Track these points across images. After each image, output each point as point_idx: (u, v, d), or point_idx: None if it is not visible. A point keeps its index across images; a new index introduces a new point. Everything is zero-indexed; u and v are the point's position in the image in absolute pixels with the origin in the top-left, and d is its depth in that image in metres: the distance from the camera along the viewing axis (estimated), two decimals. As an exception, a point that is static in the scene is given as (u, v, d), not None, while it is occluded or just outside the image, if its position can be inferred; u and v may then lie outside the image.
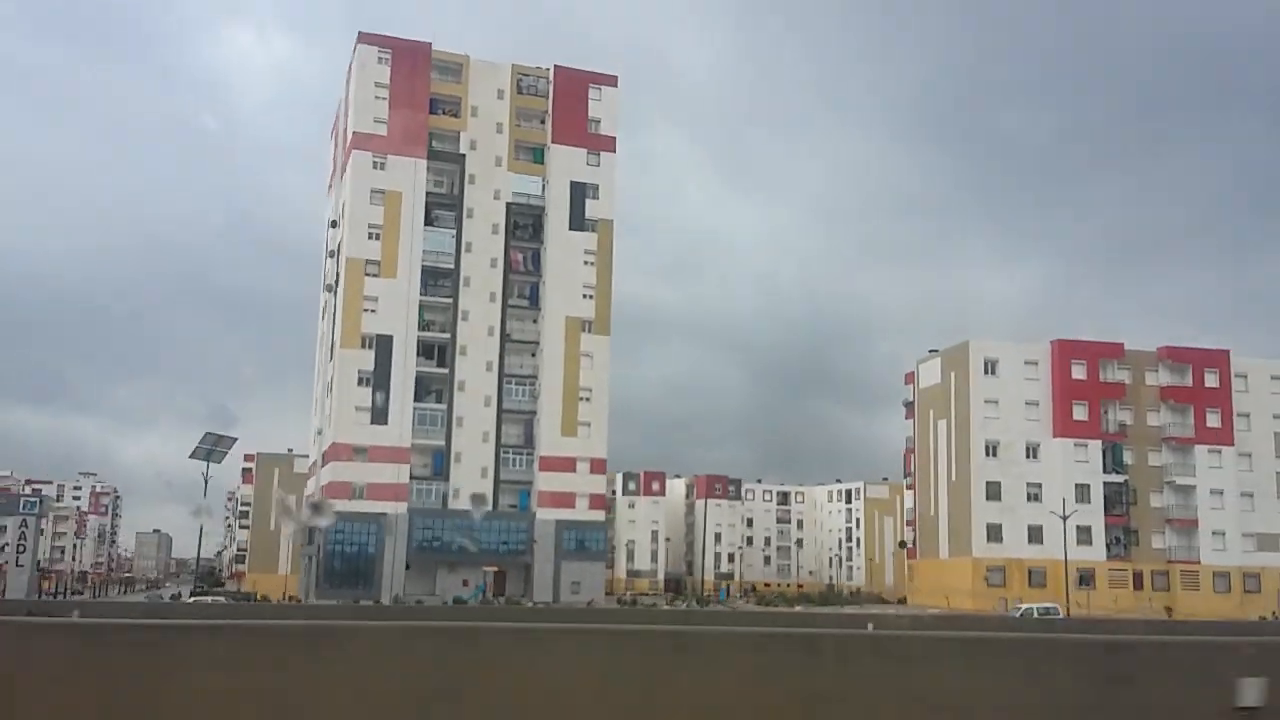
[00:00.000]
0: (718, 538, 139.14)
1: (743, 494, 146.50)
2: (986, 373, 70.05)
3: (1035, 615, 42.39)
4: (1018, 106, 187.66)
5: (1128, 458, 70.89)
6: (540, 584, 70.64)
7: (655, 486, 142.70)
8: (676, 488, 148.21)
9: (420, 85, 72.85)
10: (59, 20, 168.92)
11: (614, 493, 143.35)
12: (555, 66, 76.73)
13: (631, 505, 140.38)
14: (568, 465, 73.01)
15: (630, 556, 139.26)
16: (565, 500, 72.15)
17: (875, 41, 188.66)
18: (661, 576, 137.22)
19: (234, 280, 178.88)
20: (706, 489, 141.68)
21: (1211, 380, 72.24)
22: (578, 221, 74.55)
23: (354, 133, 71.55)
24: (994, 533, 67.87)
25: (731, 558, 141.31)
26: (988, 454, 69.04)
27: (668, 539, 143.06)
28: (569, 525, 71.78)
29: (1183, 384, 71.94)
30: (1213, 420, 71.66)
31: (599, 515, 74.65)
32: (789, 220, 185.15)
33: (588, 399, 73.92)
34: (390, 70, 72.51)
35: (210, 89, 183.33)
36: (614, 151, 76.43)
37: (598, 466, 74.77)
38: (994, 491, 68.37)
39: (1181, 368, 72.24)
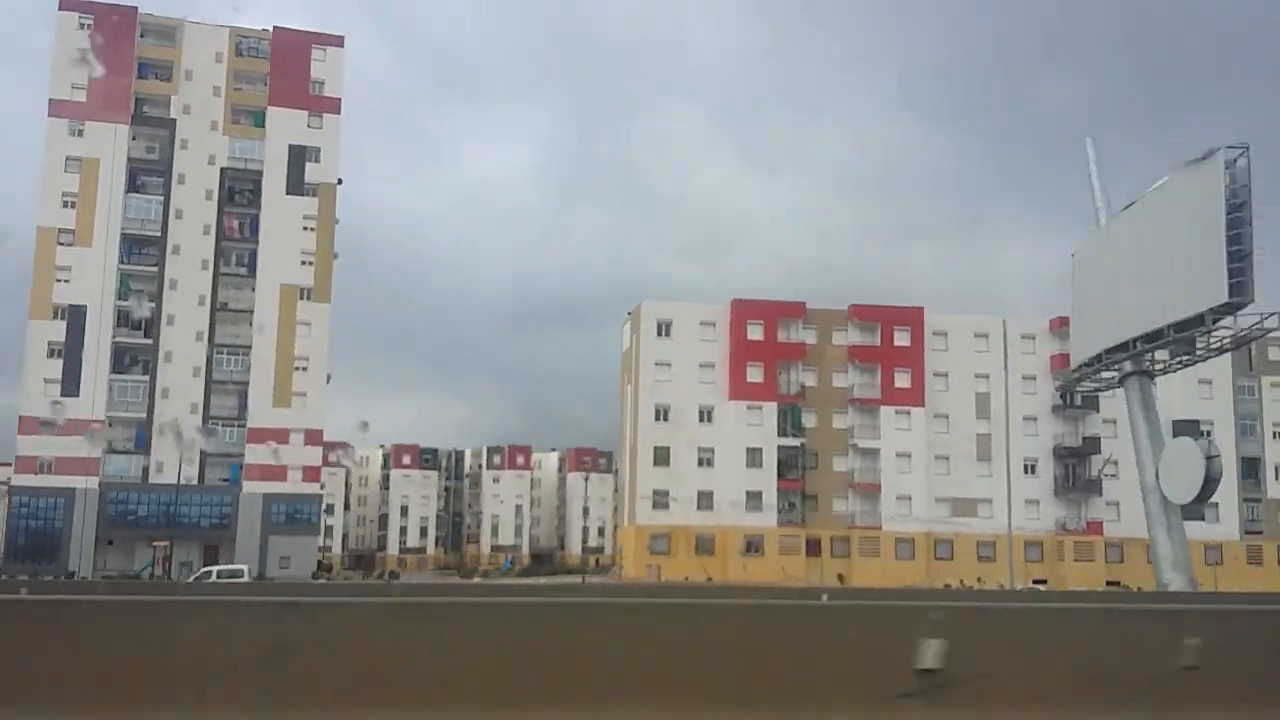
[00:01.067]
0: (586, 511, 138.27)
1: (613, 467, 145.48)
2: (660, 335, 68.05)
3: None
4: (1043, 75, 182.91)
5: (810, 420, 68.54)
6: (245, 558, 70.14)
7: (520, 460, 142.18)
8: (550, 461, 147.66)
9: (125, 49, 71.99)
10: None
11: (479, 466, 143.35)
12: (275, 28, 75.62)
13: (496, 480, 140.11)
14: (280, 437, 72.29)
15: (495, 531, 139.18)
16: (277, 473, 71.48)
17: (892, 10, 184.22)
18: (526, 550, 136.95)
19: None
20: (576, 462, 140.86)
21: (902, 339, 69.58)
22: (296, 185, 73.48)
23: (50, 100, 71.08)
24: (660, 499, 66.07)
25: (601, 531, 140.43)
26: (658, 418, 67.16)
27: (535, 513, 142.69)
28: (278, 498, 71.16)
29: (871, 343, 69.35)
30: (902, 381, 69.03)
31: (313, 488, 73.89)
32: (812, 197, 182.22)
33: (304, 369, 73.12)
34: (91, 35, 71.92)
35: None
36: (338, 114, 75.15)
37: (313, 438, 73.88)
38: (662, 457, 66.54)
39: (871, 326, 69.62)
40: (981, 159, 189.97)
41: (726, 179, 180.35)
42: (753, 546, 65.51)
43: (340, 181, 76.54)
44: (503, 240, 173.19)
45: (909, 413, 68.76)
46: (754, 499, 66.34)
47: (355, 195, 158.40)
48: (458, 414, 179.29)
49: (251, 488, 71.02)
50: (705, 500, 65.85)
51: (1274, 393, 71.88)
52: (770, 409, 67.27)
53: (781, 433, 67.28)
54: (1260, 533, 70.66)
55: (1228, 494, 70.43)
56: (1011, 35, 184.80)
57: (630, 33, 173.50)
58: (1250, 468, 71.26)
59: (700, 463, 66.49)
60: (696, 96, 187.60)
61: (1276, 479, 71.14)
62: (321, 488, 78.35)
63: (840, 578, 63.71)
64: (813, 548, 67.09)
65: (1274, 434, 71.65)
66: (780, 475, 67.13)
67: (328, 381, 73.52)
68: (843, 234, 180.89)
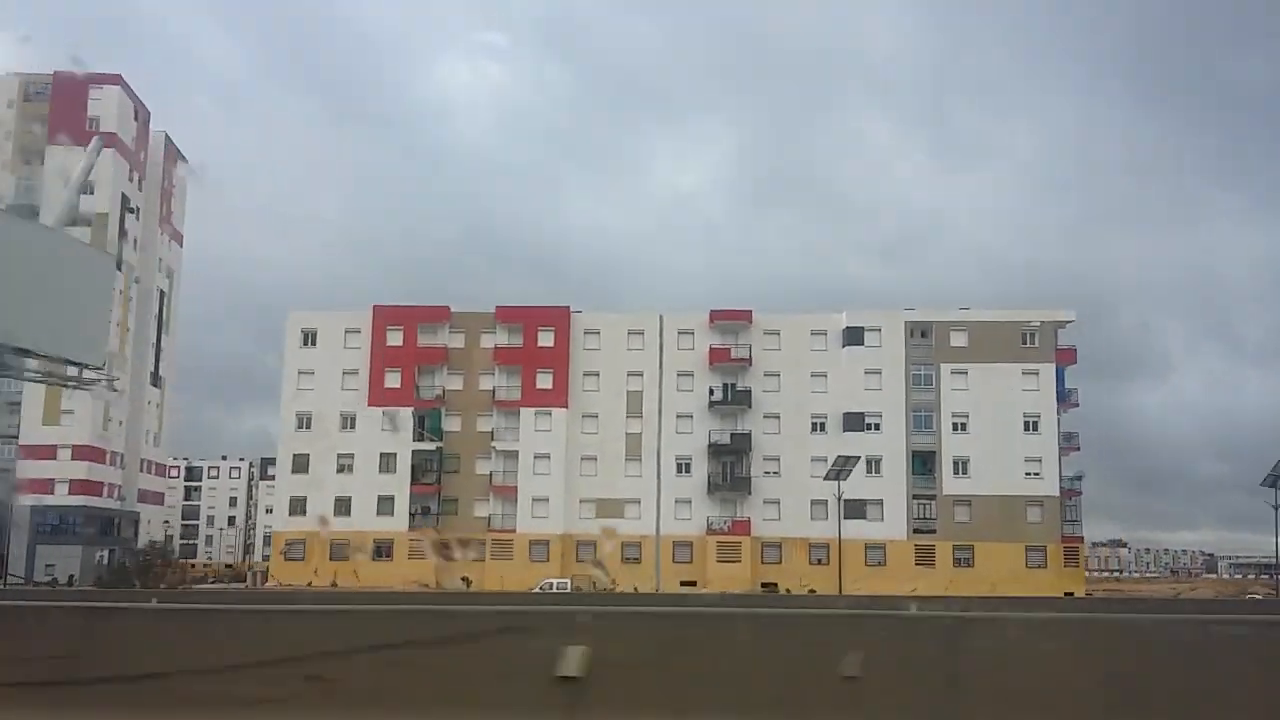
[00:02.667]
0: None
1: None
2: (305, 344, 69.38)
3: None
4: (1244, 48, 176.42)
5: (454, 424, 68.42)
6: (15, 567, 75.93)
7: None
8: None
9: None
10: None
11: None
12: (55, 72, 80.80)
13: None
14: (49, 453, 77.73)
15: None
16: (44, 486, 76.72)
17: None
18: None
19: None
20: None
21: (546, 340, 68.48)
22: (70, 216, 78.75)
23: None
24: (298, 505, 67.51)
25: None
26: (300, 426, 68.57)
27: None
28: (46, 510, 76.05)
29: (516, 345, 68.58)
30: (544, 382, 67.99)
31: (81, 500, 78.68)
32: (1006, 192, 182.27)
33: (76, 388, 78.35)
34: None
35: None
36: (113, 147, 79.02)
37: (80, 453, 78.85)
38: (301, 464, 67.93)
39: (517, 328, 68.82)
40: (1180, 142, 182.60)
41: (917, 179, 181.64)
42: (382, 551, 66.09)
43: (135, 209, 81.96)
44: (696, 251, 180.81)
45: (550, 413, 67.69)
46: (386, 504, 66.94)
47: (545, 211, 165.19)
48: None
49: (26, 500, 76.05)
50: (343, 506, 66.80)
51: (955, 380, 66.96)
52: (406, 413, 67.58)
53: (417, 437, 67.50)
54: (933, 531, 66.02)
55: (895, 491, 66.58)
56: (1202, 11, 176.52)
57: (809, 39, 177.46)
58: (923, 462, 66.67)
59: (340, 469, 67.48)
60: (880, 98, 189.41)
61: (956, 474, 66.27)
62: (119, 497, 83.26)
63: (466, 580, 63.56)
64: (445, 550, 67.07)
65: (954, 426, 66.76)
66: (414, 480, 67.44)
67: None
68: (1041, 229, 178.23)
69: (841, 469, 58.89)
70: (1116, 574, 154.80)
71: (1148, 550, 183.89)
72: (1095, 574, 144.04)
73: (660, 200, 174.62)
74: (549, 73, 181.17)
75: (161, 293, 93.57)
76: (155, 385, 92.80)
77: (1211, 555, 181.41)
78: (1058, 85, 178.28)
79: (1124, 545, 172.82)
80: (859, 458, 62.15)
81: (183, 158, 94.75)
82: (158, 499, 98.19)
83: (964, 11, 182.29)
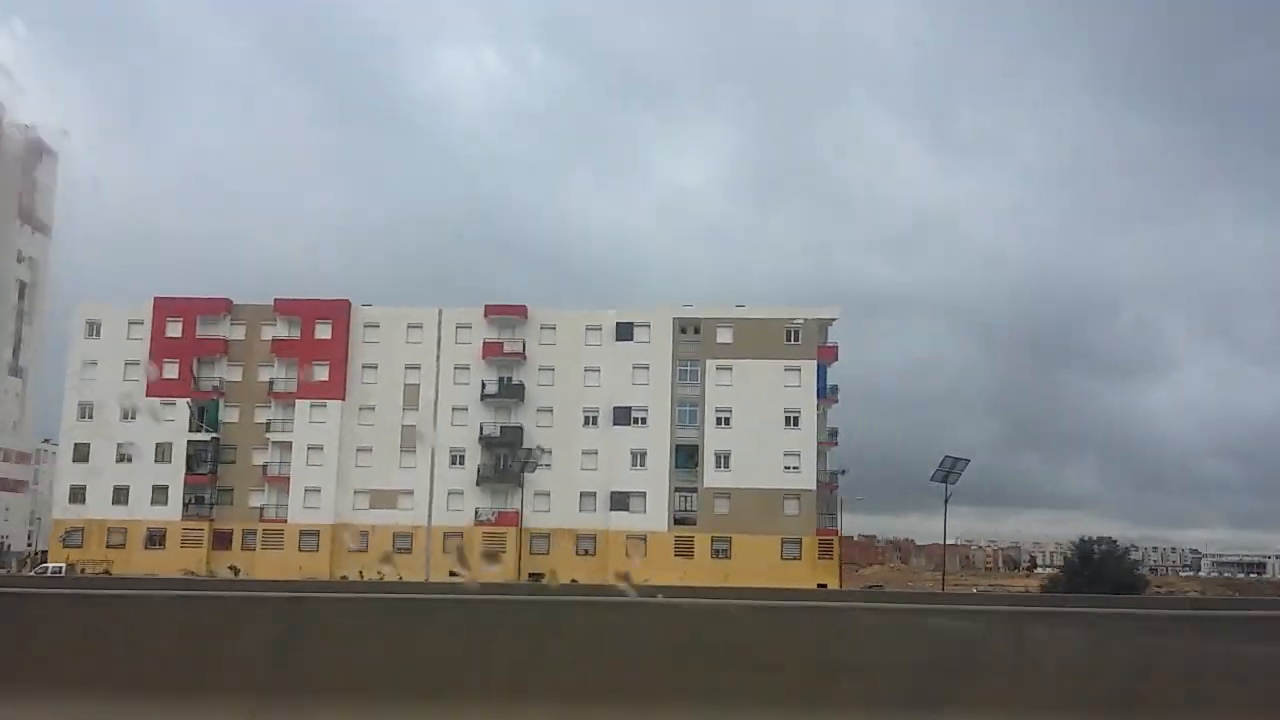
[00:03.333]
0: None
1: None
2: (89, 335, 70.35)
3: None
4: (1244, 48, 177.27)
5: (232, 415, 69.54)
6: None
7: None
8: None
9: None
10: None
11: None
12: None
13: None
14: None
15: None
16: None
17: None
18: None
19: None
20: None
21: (324, 333, 69.58)
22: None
23: None
24: (77, 494, 68.50)
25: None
26: (82, 416, 69.59)
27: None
28: None
29: (294, 337, 69.66)
30: (321, 373, 69.14)
31: None
32: (1009, 189, 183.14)
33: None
34: None
35: None
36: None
37: None
38: (81, 453, 68.95)
39: (295, 320, 69.89)
40: (1179, 138, 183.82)
41: (919, 176, 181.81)
42: (155, 539, 67.26)
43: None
44: (700, 247, 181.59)
45: (325, 405, 68.85)
46: (160, 493, 68.01)
47: (545, 206, 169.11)
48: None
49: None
50: (121, 495, 67.88)
51: (720, 376, 68.37)
52: (183, 404, 68.57)
53: (195, 428, 68.55)
54: (694, 523, 67.53)
55: (658, 484, 68.05)
56: (1200, 7, 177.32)
57: (809, 36, 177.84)
58: (687, 455, 68.12)
59: (120, 459, 68.52)
60: (881, 94, 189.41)
61: (717, 467, 67.75)
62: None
63: (233, 569, 64.74)
64: (223, 540, 68.30)
65: (718, 420, 68.20)
66: (190, 470, 68.52)
67: None
68: (1046, 224, 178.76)
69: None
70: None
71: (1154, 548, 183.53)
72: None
73: (662, 196, 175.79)
74: (549, 67, 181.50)
75: (22, 284, 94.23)
76: (16, 375, 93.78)
77: (1198, 553, 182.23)
78: (1057, 83, 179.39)
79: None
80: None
81: (49, 150, 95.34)
82: (17, 486, 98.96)
83: (962, 7, 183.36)
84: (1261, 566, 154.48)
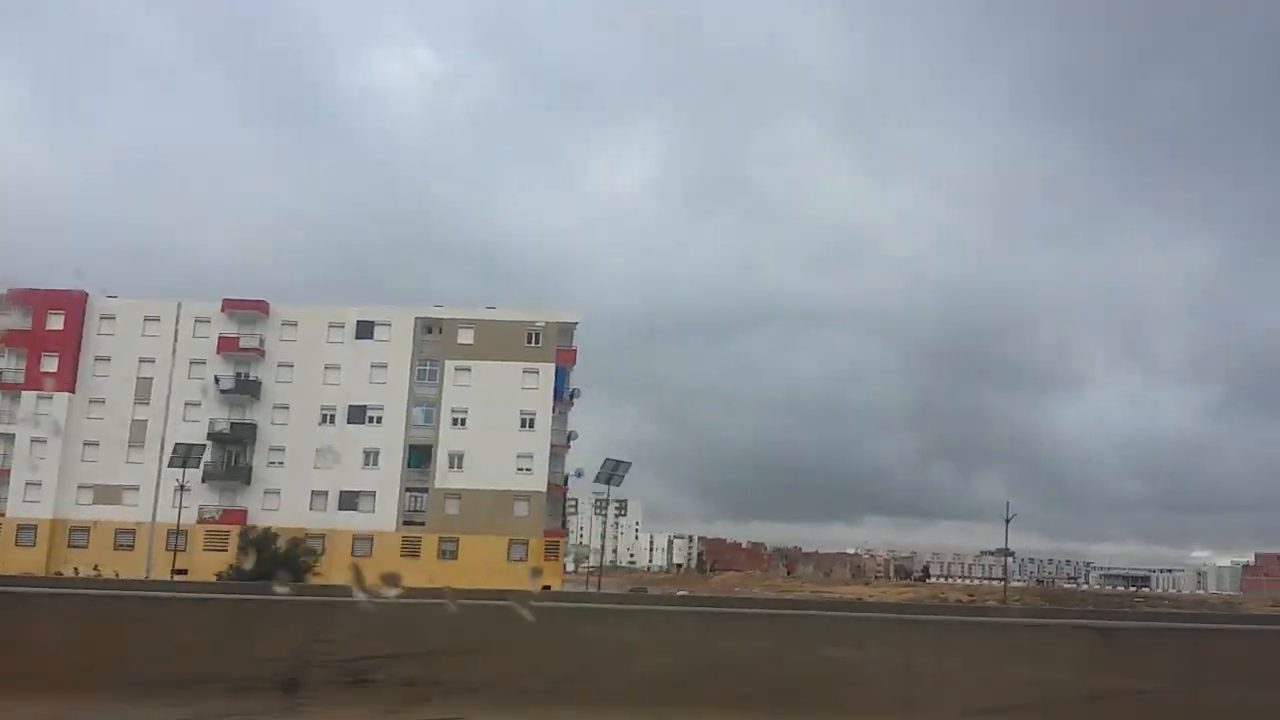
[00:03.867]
0: None
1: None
2: None
3: None
4: (1159, 76, 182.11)
5: (-44, 406, 67.72)
6: None
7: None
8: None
9: None
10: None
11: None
12: None
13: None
14: None
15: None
16: None
17: (1001, 20, 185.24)
18: None
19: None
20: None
21: (56, 323, 68.22)
22: None
23: None
24: None
25: None
26: None
27: None
28: None
29: (25, 328, 68.13)
30: (49, 365, 67.64)
31: None
32: (931, 206, 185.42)
33: None
34: None
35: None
36: None
37: None
38: None
39: (28, 309, 68.40)
40: (1100, 162, 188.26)
41: (845, 190, 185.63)
42: None
43: None
44: (631, 252, 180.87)
45: (52, 398, 67.35)
46: None
47: (488, 210, 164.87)
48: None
49: None
50: None
51: (459, 376, 68.28)
52: (-98, 394, 66.59)
53: (-86, 418, 66.55)
54: (422, 524, 67.06)
55: (389, 483, 67.51)
56: (1122, 36, 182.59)
57: (740, 49, 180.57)
58: (421, 455, 67.75)
59: None
60: (809, 109, 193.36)
61: (451, 468, 67.46)
62: None
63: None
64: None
65: (454, 420, 68.01)
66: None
67: None
68: (965, 242, 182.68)
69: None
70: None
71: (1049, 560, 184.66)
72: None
73: (594, 202, 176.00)
74: (483, 71, 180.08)
75: None
76: None
77: (1090, 564, 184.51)
78: (982, 105, 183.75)
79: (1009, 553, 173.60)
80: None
81: None
82: None
83: (889, 26, 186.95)
84: (1146, 580, 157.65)
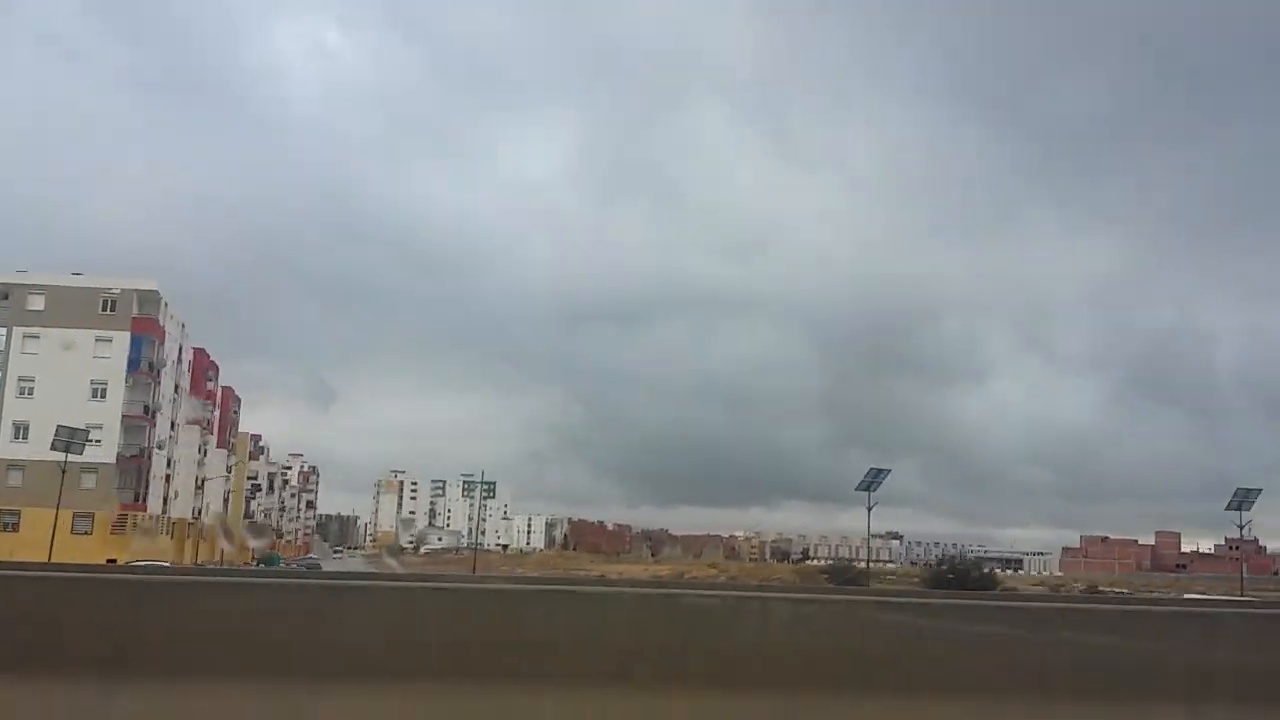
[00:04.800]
0: None
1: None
2: None
3: None
4: (1064, 76, 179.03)
5: None
6: None
7: None
8: None
9: None
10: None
11: None
12: None
13: None
14: None
15: None
16: None
17: (911, 15, 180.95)
18: None
19: None
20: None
21: None
22: None
23: None
24: None
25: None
26: None
27: None
28: None
29: None
30: None
31: None
32: (843, 196, 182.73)
33: None
34: None
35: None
36: None
37: None
38: None
39: None
40: (1007, 159, 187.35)
41: (759, 179, 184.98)
42: None
43: None
44: (543, 239, 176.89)
45: None
46: None
47: (399, 191, 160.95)
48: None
49: None
50: None
51: (27, 344, 66.19)
52: None
53: None
54: None
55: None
56: (1028, 35, 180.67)
57: (654, 37, 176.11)
58: (-16, 426, 65.90)
59: None
60: (723, 97, 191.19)
61: (15, 438, 65.77)
62: None
63: None
64: None
65: (20, 389, 66.12)
66: None
67: None
68: (877, 233, 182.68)
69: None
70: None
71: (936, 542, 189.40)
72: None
73: (507, 186, 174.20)
74: (392, 51, 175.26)
75: None
76: None
77: (967, 548, 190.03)
78: (892, 97, 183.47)
79: (898, 536, 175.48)
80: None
81: None
82: None
83: (801, 15, 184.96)
84: (1019, 563, 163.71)
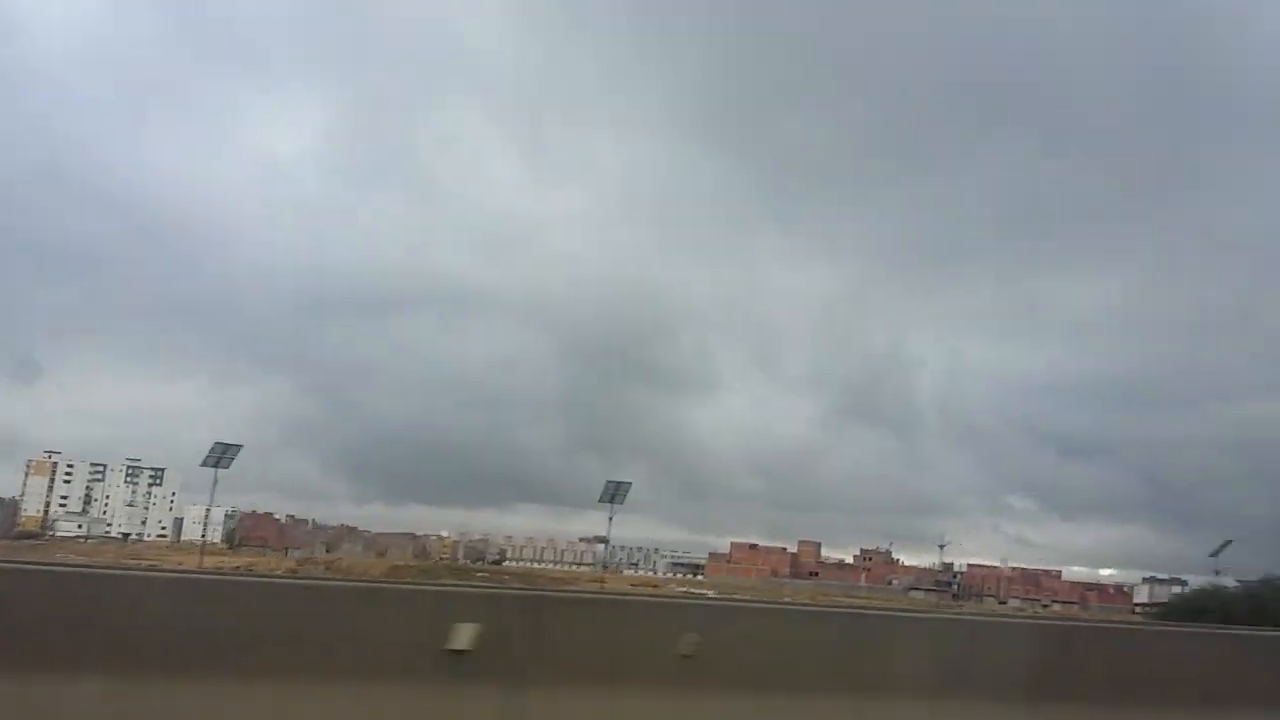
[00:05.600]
0: None
1: None
2: None
3: None
4: (802, 117, 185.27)
5: None
6: None
7: None
8: None
9: None
10: None
11: None
12: None
13: None
14: None
15: None
16: None
17: (654, 40, 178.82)
18: None
19: None
20: None
21: None
22: None
23: None
24: None
25: None
26: None
27: None
28: None
29: None
30: None
31: None
32: (592, 207, 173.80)
33: None
34: None
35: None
36: None
37: None
38: None
39: None
40: (745, 184, 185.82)
41: (510, 182, 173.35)
42: None
43: None
44: (290, 223, 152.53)
45: None
46: None
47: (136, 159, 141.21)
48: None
49: None
50: None
51: None
52: None
53: None
54: None
55: None
56: (769, 68, 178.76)
57: (412, 23, 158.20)
58: None
59: None
60: (479, 96, 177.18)
61: None
62: None
63: None
64: None
65: None
66: None
67: None
68: (621, 244, 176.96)
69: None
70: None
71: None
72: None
73: (253, 163, 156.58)
74: (135, 16, 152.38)
75: None
76: None
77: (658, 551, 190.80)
78: (642, 114, 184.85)
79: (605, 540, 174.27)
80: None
81: None
82: None
83: (557, 30, 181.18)
84: (700, 568, 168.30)
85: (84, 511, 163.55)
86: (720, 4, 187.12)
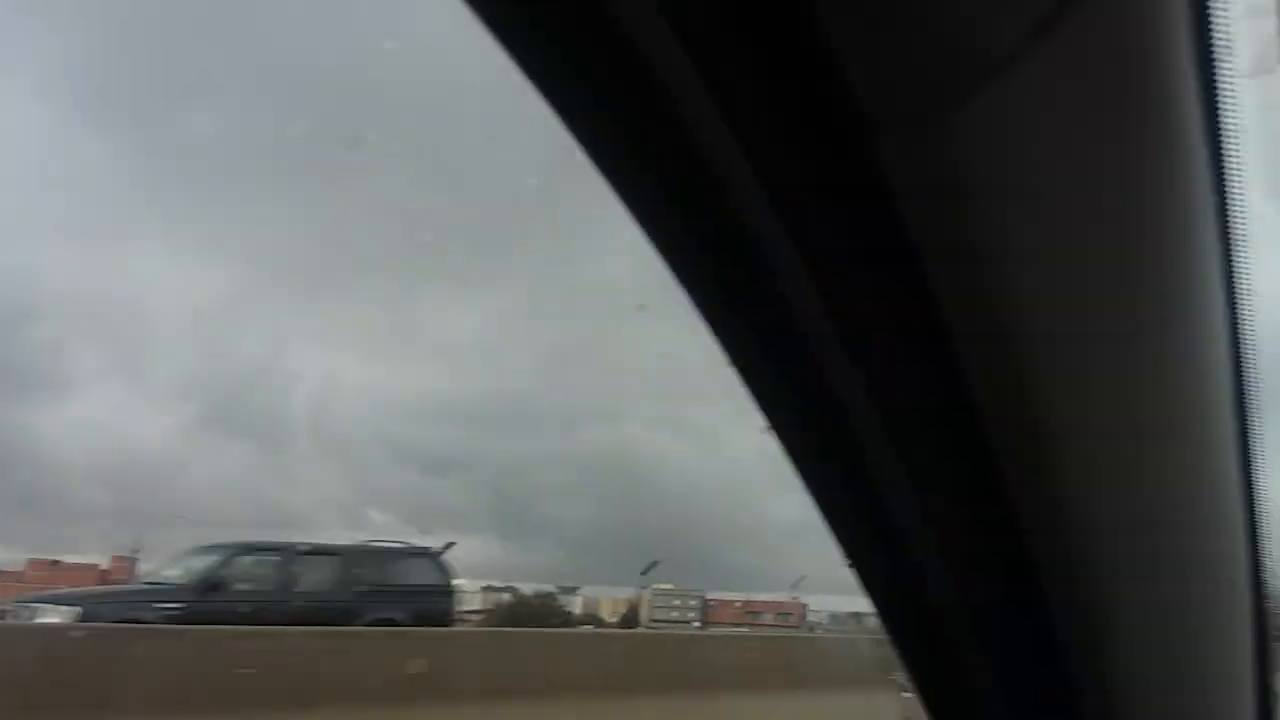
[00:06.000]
0: None
1: None
2: None
3: None
4: (197, 110, 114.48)
5: None
6: None
7: None
8: None
9: None
10: None
11: None
12: None
13: None
14: None
15: None
16: None
17: (46, 13, 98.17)
18: None
19: None
20: None
21: None
22: None
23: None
24: None
25: None
26: None
27: None
28: None
29: None
30: None
31: None
32: None
33: None
34: None
35: None
36: None
37: None
38: None
39: None
40: (129, 173, 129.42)
41: None
42: None
43: None
44: None
45: None
46: None
47: None
48: None
49: None
50: None
51: None
52: None
53: None
54: None
55: None
56: (169, 59, 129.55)
57: None
58: None
59: None
60: None
61: None
62: None
63: None
64: None
65: None
66: None
67: None
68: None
69: None
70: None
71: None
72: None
73: None
74: None
75: None
76: None
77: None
78: (8, 87, 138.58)
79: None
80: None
81: None
82: None
83: None
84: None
85: None
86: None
